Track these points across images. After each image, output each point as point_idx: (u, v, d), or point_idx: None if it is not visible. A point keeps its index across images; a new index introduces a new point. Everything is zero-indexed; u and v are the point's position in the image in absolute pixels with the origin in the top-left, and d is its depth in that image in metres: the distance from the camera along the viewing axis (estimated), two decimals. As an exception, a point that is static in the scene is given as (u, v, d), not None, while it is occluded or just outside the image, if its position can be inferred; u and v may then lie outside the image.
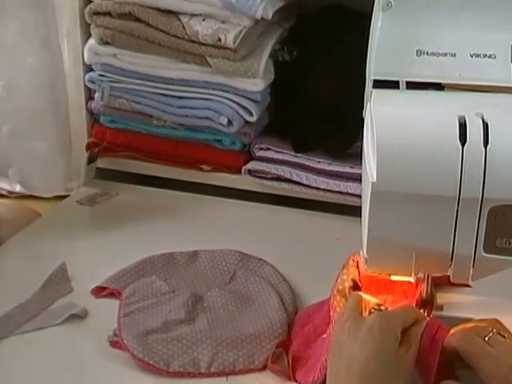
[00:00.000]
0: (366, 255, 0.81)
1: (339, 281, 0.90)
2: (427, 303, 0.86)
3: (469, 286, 0.86)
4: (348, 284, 0.88)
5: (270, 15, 1.18)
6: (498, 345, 0.75)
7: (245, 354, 0.90)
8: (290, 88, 1.26)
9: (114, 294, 1.02)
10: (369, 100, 0.81)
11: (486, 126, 0.74)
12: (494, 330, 0.76)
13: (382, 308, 0.81)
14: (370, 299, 0.84)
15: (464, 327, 0.79)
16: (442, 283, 0.87)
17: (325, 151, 1.23)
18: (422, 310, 0.86)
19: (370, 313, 0.80)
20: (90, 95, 1.32)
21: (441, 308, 0.88)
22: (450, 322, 0.84)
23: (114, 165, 1.34)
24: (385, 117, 0.77)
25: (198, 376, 0.89)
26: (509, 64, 0.81)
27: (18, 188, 1.37)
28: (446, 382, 0.75)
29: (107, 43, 1.25)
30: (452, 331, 0.78)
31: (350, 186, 1.19)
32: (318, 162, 1.23)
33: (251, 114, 1.24)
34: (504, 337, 0.76)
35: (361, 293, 0.85)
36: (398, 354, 0.74)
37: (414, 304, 0.85)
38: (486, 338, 0.75)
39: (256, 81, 1.22)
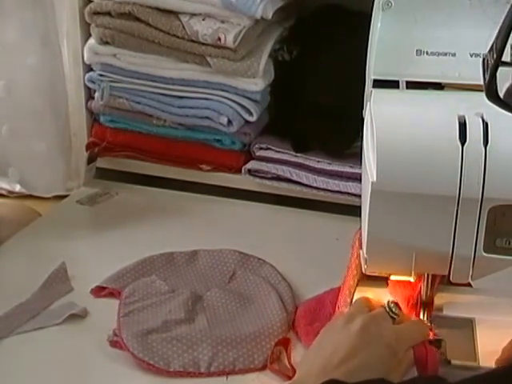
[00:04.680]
0: (365, 255, 0.81)
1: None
2: (427, 303, 0.86)
3: (470, 285, 0.86)
4: None
5: (269, 15, 1.18)
6: None
7: (245, 353, 0.90)
8: (289, 88, 1.26)
9: (113, 294, 1.02)
10: (369, 100, 0.81)
11: (485, 125, 0.74)
12: None
13: (394, 310, 0.81)
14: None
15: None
16: (442, 283, 0.88)
17: (325, 151, 1.23)
18: (422, 310, 0.86)
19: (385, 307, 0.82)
20: (90, 95, 1.32)
21: (441, 308, 0.88)
22: (450, 322, 0.84)
23: (114, 165, 1.34)
24: (385, 117, 0.77)
25: (198, 376, 0.89)
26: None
27: (17, 188, 1.37)
28: None
29: (107, 43, 1.25)
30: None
31: (350, 186, 1.19)
32: (318, 161, 1.23)
33: (251, 114, 1.24)
34: None
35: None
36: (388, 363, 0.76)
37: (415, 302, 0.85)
38: None
39: (256, 80, 1.22)
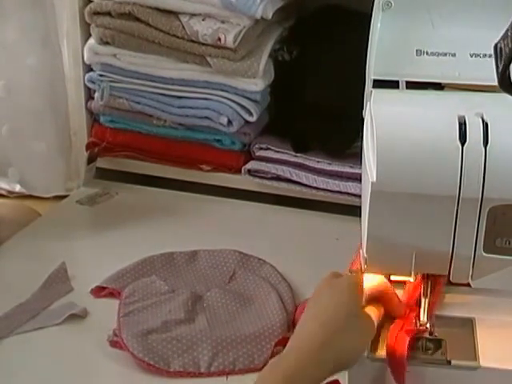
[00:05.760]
0: (365, 255, 0.81)
1: None
2: (428, 303, 0.86)
3: (470, 285, 0.86)
4: None
5: (269, 15, 1.18)
6: None
7: (245, 353, 0.90)
8: (289, 88, 1.26)
9: (113, 294, 1.02)
10: (369, 100, 0.81)
11: (485, 125, 0.74)
12: None
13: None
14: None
15: None
16: (441, 283, 0.87)
17: (324, 151, 1.23)
18: (422, 310, 0.86)
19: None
20: (89, 95, 1.32)
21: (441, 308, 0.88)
22: (450, 322, 0.84)
23: (113, 165, 1.34)
24: (385, 117, 0.77)
25: (198, 376, 0.89)
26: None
27: (17, 188, 1.38)
28: None
29: (107, 43, 1.25)
30: None
31: (350, 186, 1.19)
32: (318, 161, 1.23)
33: (251, 114, 1.24)
34: None
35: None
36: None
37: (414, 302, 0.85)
38: None
39: (256, 81, 1.22)
